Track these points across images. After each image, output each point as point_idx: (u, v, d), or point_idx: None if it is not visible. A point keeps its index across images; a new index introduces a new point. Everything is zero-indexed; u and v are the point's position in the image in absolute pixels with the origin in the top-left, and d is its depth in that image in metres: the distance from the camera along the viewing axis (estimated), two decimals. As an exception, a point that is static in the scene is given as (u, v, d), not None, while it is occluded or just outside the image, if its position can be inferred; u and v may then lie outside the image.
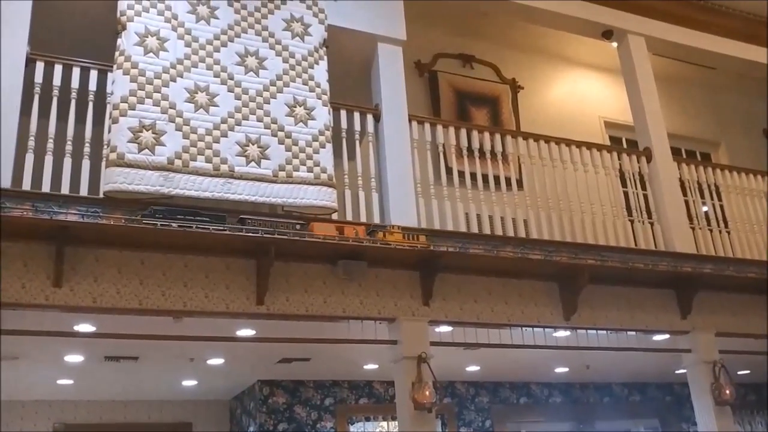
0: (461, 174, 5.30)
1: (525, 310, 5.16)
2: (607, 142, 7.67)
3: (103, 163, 4.15)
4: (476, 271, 5.04)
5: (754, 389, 8.66)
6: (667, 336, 5.81)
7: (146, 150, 4.16)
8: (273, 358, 6.11)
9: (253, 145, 4.50)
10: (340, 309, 4.58)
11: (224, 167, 4.36)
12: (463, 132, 5.44)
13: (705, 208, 6.24)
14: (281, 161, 4.56)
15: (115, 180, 4.05)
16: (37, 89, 4.26)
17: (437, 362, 4.56)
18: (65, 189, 4.08)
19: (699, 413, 5.59)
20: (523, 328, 5.25)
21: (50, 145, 4.16)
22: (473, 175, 5.32)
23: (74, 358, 5.64)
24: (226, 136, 4.44)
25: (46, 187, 4.04)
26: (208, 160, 4.33)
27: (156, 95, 4.31)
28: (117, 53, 4.35)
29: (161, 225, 4.01)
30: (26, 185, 4.00)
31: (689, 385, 5.75)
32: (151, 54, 4.38)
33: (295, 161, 4.61)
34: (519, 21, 6.83)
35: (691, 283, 5.64)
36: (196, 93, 4.45)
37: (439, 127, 5.40)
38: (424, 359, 4.50)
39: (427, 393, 4.39)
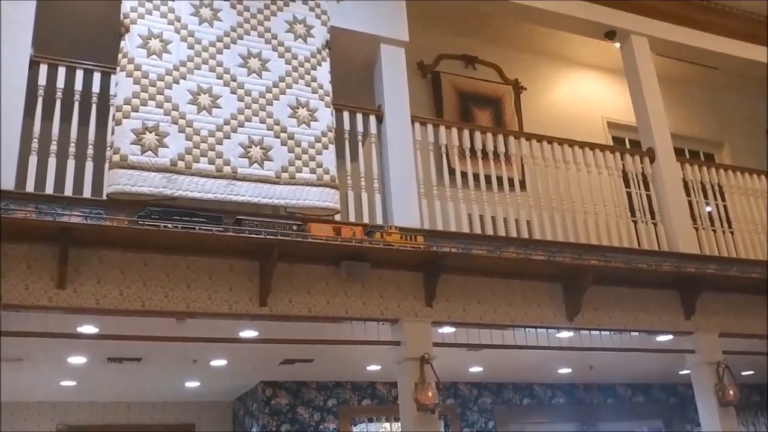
0: (464, 175, 5.29)
1: (528, 311, 5.15)
2: (610, 143, 7.67)
3: (106, 165, 4.15)
4: (479, 272, 5.04)
5: (757, 390, 8.64)
6: (670, 337, 5.80)
7: (149, 152, 4.17)
8: (276, 359, 6.11)
9: (256, 146, 4.51)
10: (343, 310, 4.58)
11: (227, 169, 4.37)
12: (466, 133, 5.43)
13: (708, 209, 6.23)
14: (284, 162, 4.57)
15: (118, 182, 4.06)
16: (41, 91, 4.26)
17: (440, 363, 4.55)
18: (68, 191, 4.08)
19: (703, 414, 5.58)
20: (527, 329, 5.24)
21: (53, 147, 4.17)
22: (476, 176, 5.32)
23: (77, 360, 5.65)
24: (229, 138, 4.44)
25: (49, 189, 4.04)
26: (211, 162, 4.34)
27: (159, 97, 4.31)
28: (120, 55, 4.36)
29: (164, 226, 4.01)
30: (30, 187, 4.01)
31: (693, 386, 5.74)
32: (154, 56, 4.39)
33: (298, 162, 4.61)
34: (522, 22, 6.83)
35: (694, 284, 5.63)
36: (199, 95, 4.45)
37: (442, 128, 5.40)
38: (427, 360, 4.50)
39: (430, 394, 4.38)
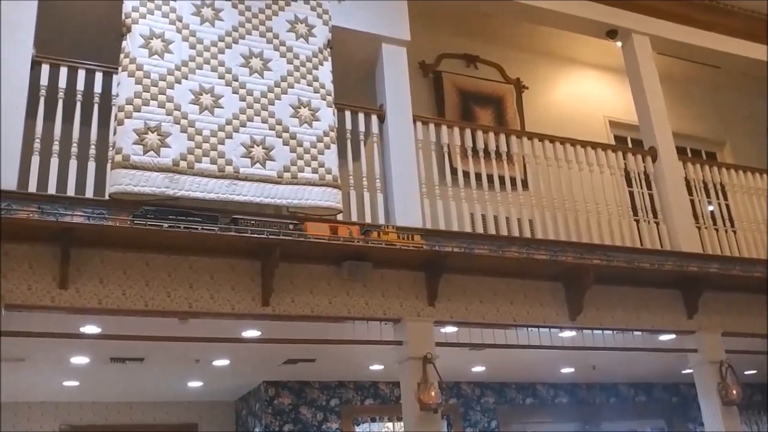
0: (466, 174, 5.30)
1: (530, 311, 5.15)
2: (612, 142, 7.66)
3: (109, 165, 4.15)
4: (481, 271, 5.04)
5: (760, 389, 8.63)
6: (673, 336, 5.80)
7: (151, 152, 4.17)
8: (278, 359, 6.11)
9: (258, 146, 4.51)
10: (346, 310, 4.58)
11: (229, 168, 4.37)
12: (468, 132, 5.43)
13: (711, 208, 6.23)
14: (286, 162, 4.56)
15: (120, 182, 4.06)
16: (43, 92, 4.26)
17: (443, 363, 4.55)
18: (71, 191, 4.08)
19: (706, 413, 5.57)
20: (529, 329, 5.24)
21: (56, 147, 4.17)
22: (478, 176, 5.32)
23: (80, 360, 5.65)
24: (231, 138, 4.44)
25: (51, 189, 4.04)
26: (213, 162, 4.34)
27: (161, 97, 4.31)
28: (122, 55, 4.36)
29: (168, 226, 4.01)
30: (32, 187, 4.00)
31: (696, 386, 5.74)
32: (156, 56, 4.39)
33: (300, 162, 4.61)
34: (523, 21, 6.83)
35: (697, 283, 5.63)
36: (201, 95, 4.45)
37: (444, 128, 5.39)
38: (430, 360, 4.50)
39: (433, 393, 4.38)
